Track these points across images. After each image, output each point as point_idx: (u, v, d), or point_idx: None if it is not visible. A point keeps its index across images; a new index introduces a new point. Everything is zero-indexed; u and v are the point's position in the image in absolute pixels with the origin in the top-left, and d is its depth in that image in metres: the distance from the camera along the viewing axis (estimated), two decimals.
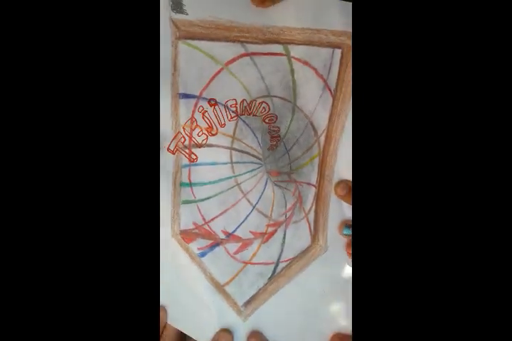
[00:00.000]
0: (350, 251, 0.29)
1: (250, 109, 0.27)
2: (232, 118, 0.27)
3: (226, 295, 0.30)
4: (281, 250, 0.30)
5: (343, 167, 0.28)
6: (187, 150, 0.28)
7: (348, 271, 0.30)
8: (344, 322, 0.29)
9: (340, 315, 0.29)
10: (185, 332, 0.31)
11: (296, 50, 0.25)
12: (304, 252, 0.30)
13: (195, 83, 0.26)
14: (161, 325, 0.32)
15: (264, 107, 0.27)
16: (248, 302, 0.30)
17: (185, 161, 0.28)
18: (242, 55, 0.25)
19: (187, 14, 0.24)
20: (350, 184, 0.28)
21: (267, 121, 0.27)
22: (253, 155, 0.28)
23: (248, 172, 0.29)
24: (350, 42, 0.25)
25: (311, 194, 0.29)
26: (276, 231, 0.30)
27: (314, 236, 0.30)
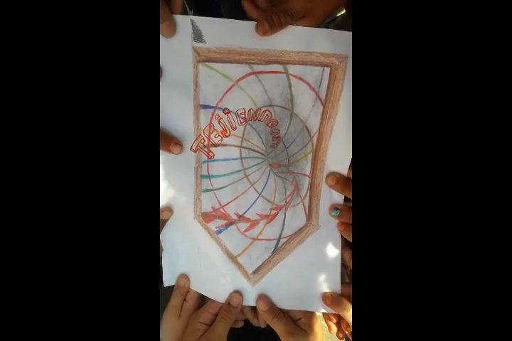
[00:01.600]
0: (341, 229, 0.35)
1: (256, 116, 0.33)
2: (241, 123, 0.33)
3: (238, 265, 0.37)
4: (282, 228, 0.36)
5: (332, 161, 0.34)
6: (206, 149, 0.34)
7: (336, 244, 0.36)
8: (332, 284, 0.36)
9: (329, 278, 0.36)
10: (204, 294, 0.38)
11: (293, 69, 0.31)
12: (301, 230, 0.36)
13: (212, 96, 0.32)
14: (184, 290, 0.39)
15: (267, 114, 0.33)
16: (256, 271, 0.37)
17: (205, 158, 0.34)
18: (249, 74, 0.31)
19: (205, 43, 0.29)
20: (339, 175, 0.35)
21: (269, 125, 0.34)
22: (258, 152, 0.35)
23: (254, 165, 0.35)
24: (337, 61, 0.31)
25: (305, 183, 0.36)
26: (278, 213, 0.36)
27: (309, 217, 0.36)
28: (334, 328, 0.37)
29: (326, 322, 0.37)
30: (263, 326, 0.38)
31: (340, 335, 0.38)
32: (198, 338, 0.35)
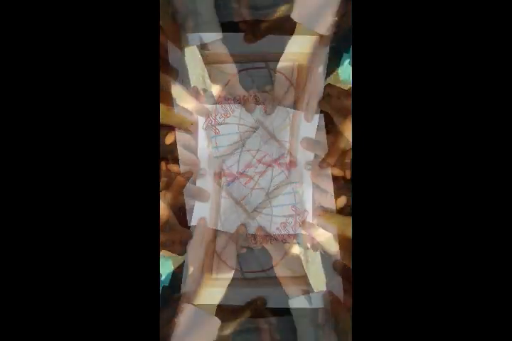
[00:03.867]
0: (313, 177, 0.50)
1: (248, 100, 0.45)
2: (238, 106, 0.45)
3: (242, 207, 0.52)
4: (271, 180, 0.51)
5: (304, 130, 0.47)
6: (213, 127, 0.46)
7: (309, 189, 0.51)
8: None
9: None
10: (218, 228, 0.53)
11: (273, 65, 0.43)
12: (285, 180, 0.51)
13: (216, 88, 0.43)
14: (202, 229, 0.53)
15: (256, 98, 0.45)
16: (254, 210, 0.52)
17: (213, 134, 0.47)
18: (241, 70, 0.43)
19: (209, 50, 0.40)
20: (309, 139, 0.48)
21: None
22: (251, 127, 0.47)
23: (249, 137, 0.48)
24: (305, 58, 0.42)
25: (286, 147, 0.49)
26: (268, 169, 0.50)
27: (290, 170, 0.51)
28: None
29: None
30: (260, 247, 0.53)
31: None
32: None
